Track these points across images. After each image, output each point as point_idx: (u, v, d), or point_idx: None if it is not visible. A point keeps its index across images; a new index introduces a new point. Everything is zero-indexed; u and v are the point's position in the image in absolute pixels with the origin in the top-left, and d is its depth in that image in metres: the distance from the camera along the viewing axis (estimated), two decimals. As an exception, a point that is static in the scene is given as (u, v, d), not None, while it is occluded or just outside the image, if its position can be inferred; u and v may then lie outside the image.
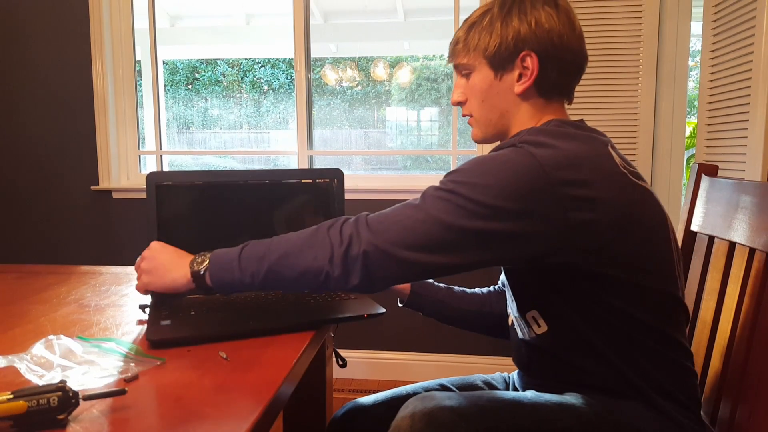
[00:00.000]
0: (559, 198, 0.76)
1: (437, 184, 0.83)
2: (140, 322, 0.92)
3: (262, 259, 0.83)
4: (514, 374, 1.05)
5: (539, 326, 0.89)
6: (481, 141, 0.97)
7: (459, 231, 0.78)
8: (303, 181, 1.08)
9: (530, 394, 0.84)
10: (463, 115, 0.98)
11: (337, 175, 1.09)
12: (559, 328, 0.87)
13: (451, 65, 1.00)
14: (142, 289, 0.90)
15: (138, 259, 0.93)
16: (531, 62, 0.88)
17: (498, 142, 0.96)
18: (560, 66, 0.89)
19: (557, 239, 0.78)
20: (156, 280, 0.88)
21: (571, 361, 0.86)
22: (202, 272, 0.85)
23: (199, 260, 0.87)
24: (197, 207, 1.04)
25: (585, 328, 0.84)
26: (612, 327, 0.83)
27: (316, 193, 1.09)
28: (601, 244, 0.79)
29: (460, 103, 0.97)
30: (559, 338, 0.87)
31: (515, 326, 0.97)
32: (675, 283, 0.85)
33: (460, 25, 0.98)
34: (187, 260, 0.87)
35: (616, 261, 0.80)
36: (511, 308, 0.97)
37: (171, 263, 0.88)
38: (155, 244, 0.92)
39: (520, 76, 0.90)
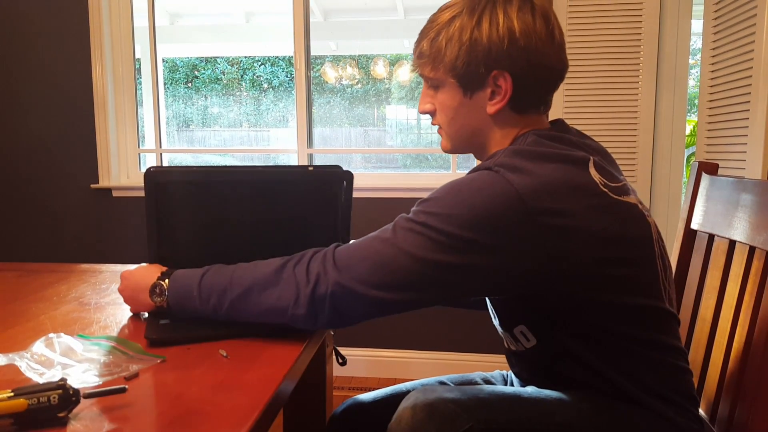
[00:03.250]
0: (538, 228, 0.73)
1: (409, 213, 0.78)
2: (140, 320, 0.92)
3: (224, 293, 0.81)
4: (513, 373, 1.05)
5: (528, 340, 0.87)
6: (450, 152, 0.93)
7: (432, 266, 0.74)
8: (306, 178, 1.04)
9: (530, 389, 0.84)
10: (432, 124, 0.92)
11: (346, 177, 1.00)
12: (548, 343, 0.85)
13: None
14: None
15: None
16: (504, 83, 0.82)
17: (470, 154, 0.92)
18: (536, 84, 0.83)
19: (536, 269, 0.75)
20: (131, 307, 0.91)
21: (563, 372, 0.85)
22: (165, 305, 0.84)
23: (158, 291, 0.85)
24: (196, 203, 1.03)
25: (574, 343, 0.82)
26: (601, 340, 0.81)
27: (319, 191, 1.05)
28: (581, 271, 0.76)
29: (428, 113, 0.91)
30: (549, 352, 0.85)
31: (503, 339, 0.94)
32: (660, 296, 0.83)
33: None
34: (147, 287, 0.86)
35: (598, 285, 0.78)
36: (494, 322, 0.95)
37: (135, 291, 0.88)
38: (125, 272, 0.92)
39: (492, 94, 0.83)
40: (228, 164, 4.17)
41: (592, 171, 0.79)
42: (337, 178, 0.98)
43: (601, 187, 0.78)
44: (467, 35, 0.81)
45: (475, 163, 2.57)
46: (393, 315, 0.80)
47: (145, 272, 0.88)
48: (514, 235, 0.73)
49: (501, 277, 0.76)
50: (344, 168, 0.98)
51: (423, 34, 0.87)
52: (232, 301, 0.80)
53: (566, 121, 0.92)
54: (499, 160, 0.78)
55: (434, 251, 0.74)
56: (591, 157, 0.81)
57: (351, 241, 0.81)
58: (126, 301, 0.91)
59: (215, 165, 1.03)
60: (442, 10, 0.86)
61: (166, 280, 0.85)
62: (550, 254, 0.74)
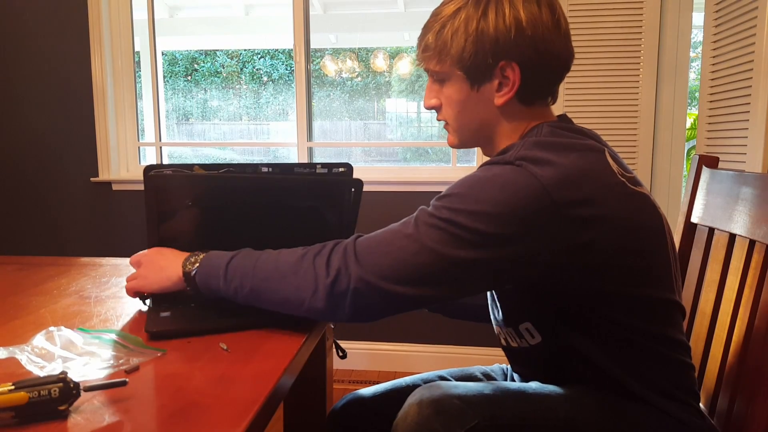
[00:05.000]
0: (563, 219, 0.73)
1: (430, 207, 0.77)
2: (140, 313, 0.92)
3: (246, 277, 0.81)
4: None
5: (533, 337, 0.86)
6: (457, 147, 0.92)
7: (457, 262, 0.73)
8: (307, 176, 1.02)
9: (534, 385, 0.84)
10: (438, 120, 0.91)
11: (355, 185, 0.96)
12: (554, 340, 0.85)
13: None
14: (132, 292, 0.90)
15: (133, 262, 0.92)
16: (512, 74, 0.81)
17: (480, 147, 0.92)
18: (544, 73, 0.83)
19: (560, 262, 0.75)
20: (149, 282, 0.88)
21: (567, 370, 0.85)
22: (192, 273, 0.84)
23: (192, 260, 0.85)
24: (195, 201, 1.02)
25: (582, 339, 0.82)
26: (608, 336, 0.81)
27: (319, 190, 1.01)
28: (602, 262, 0.76)
29: (434, 108, 0.90)
30: (554, 349, 0.85)
31: (503, 336, 0.94)
32: (672, 287, 0.83)
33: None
34: (182, 258, 0.86)
35: (614, 277, 0.78)
36: (497, 318, 0.94)
37: (166, 262, 0.87)
38: (152, 249, 0.91)
39: (500, 85, 0.83)
40: (228, 158, 4.16)
41: (610, 160, 0.79)
42: (344, 185, 0.94)
43: (619, 176, 0.78)
44: (473, 26, 0.80)
45: (476, 155, 2.57)
46: (413, 311, 0.79)
47: (179, 251, 0.89)
48: (541, 228, 0.73)
49: (526, 270, 0.76)
50: (346, 161, 0.96)
51: (427, 27, 0.86)
52: (253, 285, 0.80)
53: (567, 114, 0.92)
54: (520, 153, 0.76)
55: (458, 247, 0.73)
56: (605, 147, 0.81)
57: (371, 234, 0.80)
58: (145, 271, 0.88)
59: (214, 163, 0.98)
60: (445, 3, 0.85)
61: (202, 255, 0.86)
62: (577, 245, 0.74)
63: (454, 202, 0.75)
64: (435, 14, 0.85)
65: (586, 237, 0.74)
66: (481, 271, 0.75)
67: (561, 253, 0.74)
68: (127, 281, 0.92)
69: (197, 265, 0.84)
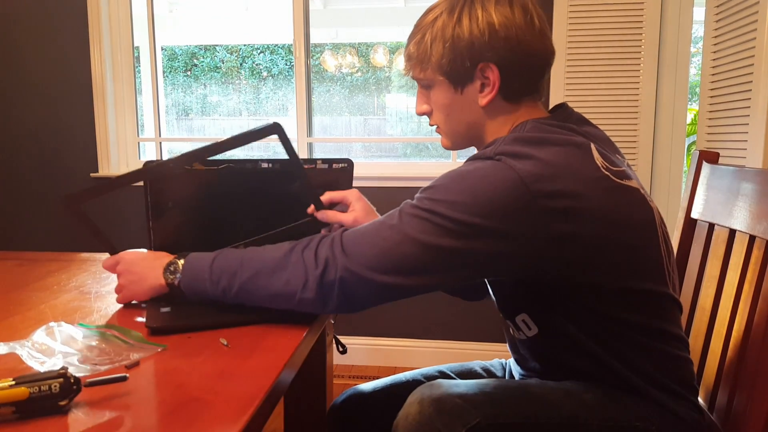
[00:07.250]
0: (541, 212, 0.74)
1: (413, 200, 0.80)
2: (140, 309, 0.92)
3: (234, 276, 0.82)
4: (512, 361, 1.06)
5: (530, 329, 0.87)
6: (451, 149, 0.95)
7: (438, 251, 0.76)
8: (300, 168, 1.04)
9: (534, 381, 0.85)
10: (430, 125, 0.94)
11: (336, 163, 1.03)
12: (550, 332, 0.86)
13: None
14: (124, 302, 0.91)
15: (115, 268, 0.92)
16: (491, 74, 0.84)
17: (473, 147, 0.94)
18: (523, 71, 0.85)
19: (540, 253, 0.76)
20: (134, 293, 0.89)
21: (565, 362, 0.86)
22: (176, 283, 0.85)
23: (172, 268, 0.86)
24: (194, 195, 1.02)
25: (577, 332, 0.83)
26: (604, 329, 0.82)
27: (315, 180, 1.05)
28: (585, 255, 0.77)
29: (425, 113, 0.93)
30: (551, 341, 0.86)
31: (506, 325, 0.95)
32: (664, 280, 0.83)
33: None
34: (162, 265, 0.86)
35: (602, 270, 0.78)
36: (497, 308, 0.95)
37: (143, 270, 0.88)
38: (125, 254, 0.91)
39: (482, 86, 0.86)
40: (227, 154, 4.16)
41: (595, 154, 0.80)
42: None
43: (603, 170, 0.79)
44: (449, 33, 0.84)
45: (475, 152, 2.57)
46: (400, 300, 0.81)
47: (155, 254, 0.90)
48: (519, 219, 0.74)
49: (506, 260, 0.77)
50: (346, 157, 0.99)
51: (410, 38, 0.90)
52: (242, 284, 0.81)
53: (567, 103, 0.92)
54: (499, 149, 0.79)
55: (439, 236, 0.75)
56: (591, 143, 0.82)
57: (357, 227, 0.82)
58: (127, 282, 0.89)
59: (214, 159, 1.00)
60: (425, 13, 0.88)
61: (182, 261, 0.86)
62: (555, 237, 0.75)
63: (436, 194, 0.78)
64: (416, 25, 0.89)
65: (564, 229, 0.75)
66: (462, 261, 0.77)
67: (540, 244, 0.76)
68: (116, 291, 0.92)
69: (179, 273, 0.85)
